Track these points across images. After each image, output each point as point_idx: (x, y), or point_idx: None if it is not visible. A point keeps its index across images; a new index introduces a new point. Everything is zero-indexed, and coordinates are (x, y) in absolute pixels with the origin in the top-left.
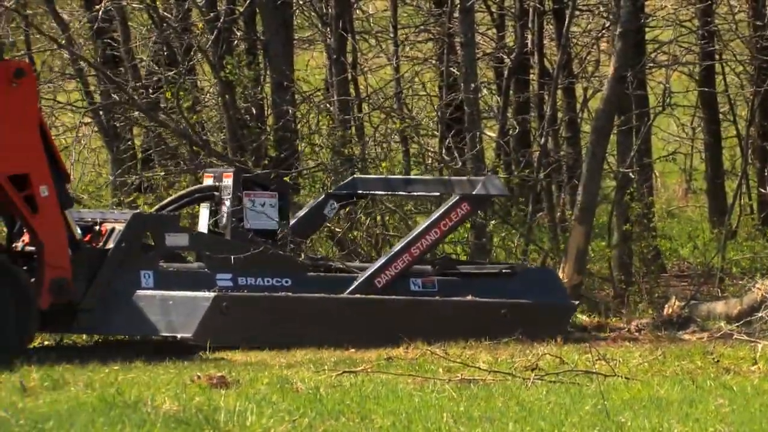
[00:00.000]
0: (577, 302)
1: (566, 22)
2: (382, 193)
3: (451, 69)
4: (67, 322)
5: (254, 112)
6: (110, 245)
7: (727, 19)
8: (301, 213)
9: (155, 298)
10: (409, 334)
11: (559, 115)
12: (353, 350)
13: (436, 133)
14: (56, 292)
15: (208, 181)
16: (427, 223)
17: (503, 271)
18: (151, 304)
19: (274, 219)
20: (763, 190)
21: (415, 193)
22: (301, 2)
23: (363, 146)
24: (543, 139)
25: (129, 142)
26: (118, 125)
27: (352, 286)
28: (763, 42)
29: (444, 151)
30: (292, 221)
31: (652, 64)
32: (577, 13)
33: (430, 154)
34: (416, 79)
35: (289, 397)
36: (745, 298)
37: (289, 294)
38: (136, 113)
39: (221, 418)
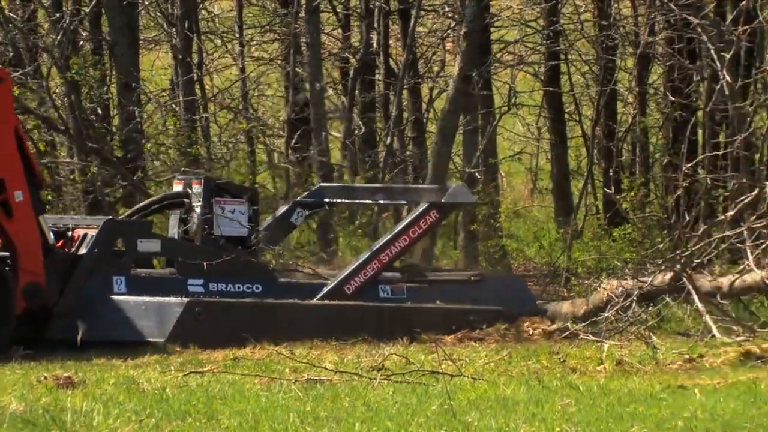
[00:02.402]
0: (546, 309)
1: (412, 22)
2: (349, 201)
3: (297, 69)
4: (41, 327)
5: (100, 112)
6: (83, 251)
7: (573, 19)
8: (269, 221)
9: (128, 303)
10: (378, 338)
11: (405, 115)
12: (200, 351)
13: (282, 133)
14: (30, 297)
15: (178, 188)
16: (395, 231)
17: (471, 278)
18: (124, 309)
19: (245, 226)
20: (608, 190)
21: (381, 202)
22: (146, 3)
23: (209, 146)
24: (389, 139)
25: None
26: None
27: (322, 293)
28: (608, 41)
29: (290, 151)
30: (260, 229)
31: (497, 64)
32: (423, 13)
33: (276, 154)
34: (262, 80)
35: (135, 397)
36: (590, 297)
37: (260, 300)
38: None
39: (68, 419)
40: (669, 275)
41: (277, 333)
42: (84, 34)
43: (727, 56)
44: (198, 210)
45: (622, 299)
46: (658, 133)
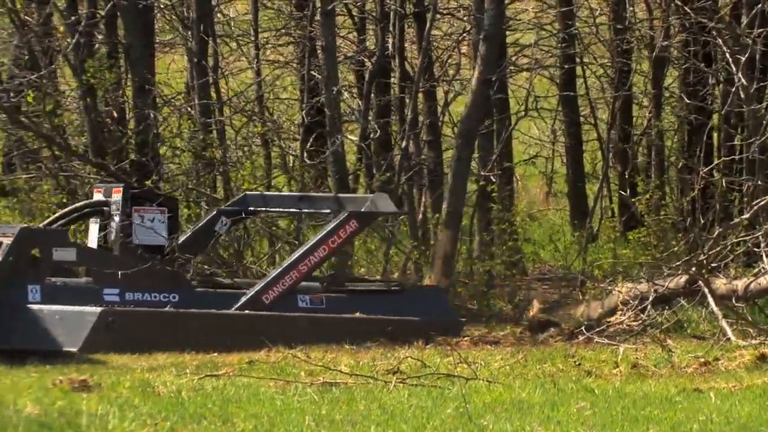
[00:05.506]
0: (464, 319)
1: (427, 26)
2: (274, 210)
3: (313, 72)
4: None
5: (115, 115)
6: None
7: (588, 23)
8: (192, 229)
9: (42, 312)
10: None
11: (420, 118)
12: (215, 354)
13: (297, 136)
14: None
15: (97, 196)
16: (315, 240)
17: (392, 288)
18: (38, 319)
19: (162, 235)
20: (623, 193)
21: (306, 210)
22: (162, 6)
23: (224, 150)
24: (404, 143)
25: None
26: None
27: (240, 302)
28: (623, 45)
29: (305, 154)
30: (183, 237)
31: (512, 68)
32: (438, 16)
33: (291, 157)
34: (277, 83)
35: (151, 400)
36: (605, 301)
37: (176, 309)
38: None
39: (83, 422)
40: (684, 278)
41: (190, 343)
42: (99, 37)
43: (743, 59)
44: (117, 218)
45: (637, 302)
46: (673, 136)
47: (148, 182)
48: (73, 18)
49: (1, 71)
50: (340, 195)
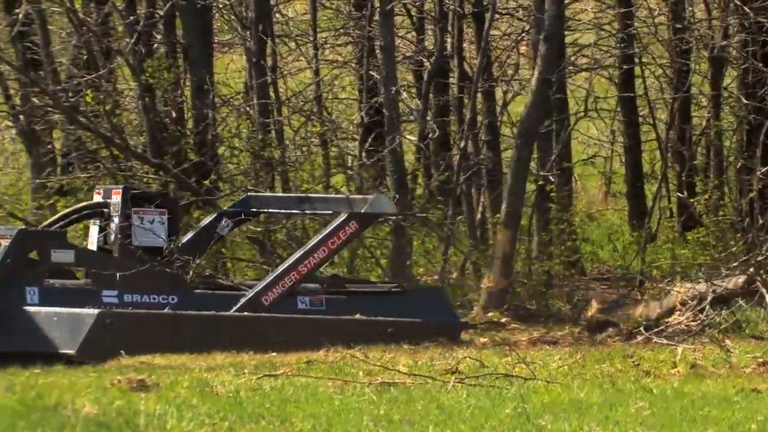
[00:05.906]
0: (464, 321)
1: (486, 26)
2: (276, 211)
3: (371, 72)
4: None
5: (174, 115)
6: None
7: (647, 23)
8: (194, 231)
9: (40, 315)
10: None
11: (479, 118)
12: (273, 354)
13: (356, 136)
14: None
15: (97, 198)
16: (314, 242)
17: (392, 290)
18: (36, 321)
19: (161, 236)
20: (681, 194)
21: (309, 211)
22: (221, 6)
23: (283, 149)
24: (463, 143)
25: (49, 146)
26: (37, 129)
27: (239, 304)
28: (682, 45)
29: (364, 154)
30: (184, 239)
31: (572, 68)
32: (497, 16)
33: (349, 157)
34: (336, 83)
35: (209, 400)
36: (664, 301)
37: (174, 311)
38: (57, 116)
39: (141, 422)
40: (742, 278)
41: (189, 345)
42: (158, 36)
43: None
44: (116, 220)
45: (695, 303)
46: (732, 136)
47: (207, 182)
48: (131, 18)
49: (60, 71)
50: (341, 196)
